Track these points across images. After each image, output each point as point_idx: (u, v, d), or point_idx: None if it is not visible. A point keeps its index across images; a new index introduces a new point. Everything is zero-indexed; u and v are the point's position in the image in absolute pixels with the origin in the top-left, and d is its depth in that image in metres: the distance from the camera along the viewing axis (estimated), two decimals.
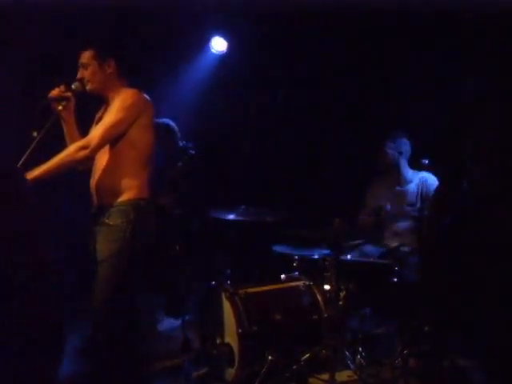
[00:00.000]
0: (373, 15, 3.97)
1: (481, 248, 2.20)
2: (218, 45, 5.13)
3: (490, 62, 2.27)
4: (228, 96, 5.64)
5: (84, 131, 2.78)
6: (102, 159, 2.59)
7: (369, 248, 3.68)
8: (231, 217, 3.42)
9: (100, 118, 2.67)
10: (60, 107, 2.59)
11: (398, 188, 3.80)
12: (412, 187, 3.74)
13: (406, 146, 3.79)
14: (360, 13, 3.95)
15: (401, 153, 3.76)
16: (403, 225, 3.66)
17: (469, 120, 2.32)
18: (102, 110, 2.72)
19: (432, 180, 3.66)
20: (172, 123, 4.25)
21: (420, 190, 3.67)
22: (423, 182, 3.69)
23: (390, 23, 4.17)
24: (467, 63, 2.49)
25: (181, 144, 4.22)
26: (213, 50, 5.20)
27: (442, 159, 2.60)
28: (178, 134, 4.26)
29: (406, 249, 3.41)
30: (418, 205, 3.38)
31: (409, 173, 3.80)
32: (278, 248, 3.76)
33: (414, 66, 4.31)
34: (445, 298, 2.96)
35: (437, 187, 3.36)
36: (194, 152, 4.14)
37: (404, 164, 3.79)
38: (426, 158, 3.23)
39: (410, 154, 3.81)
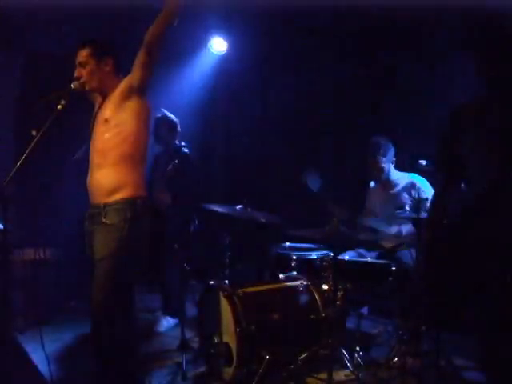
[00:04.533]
0: (372, 16, 3.98)
1: (480, 247, 2.20)
2: (218, 45, 5.15)
3: (488, 61, 2.27)
4: (227, 96, 5.66)
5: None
6: (98, 156, 2.59)
7: (364, 251, 3.68)
8: (225, 212, 3.42)
9: (98, 116, 2.66)
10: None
11: (387, 192, 3.80)
12: (400, 190, 3.73)
13: (393, 152, 3.77)
14: (359, 14, 3.96)
15: (393, 161, 3.78)
16: (396, 227, 3.66)
17: (466, 119, 2.32)
18: (99, 107, 2.71)
19: (419, 181, 3.67)
20: (177, 120, 4.24)
21: (408, 192, 3.66)
22: (411, 184, 3.68)
23: (385, 24, 4.18)
24: (464, 62, 2.49)
25: (176, 143, 4.24)
26: (212, 50, 5.21)
27: (438, 159, 2.60)
28: (178, 133, 4.27)
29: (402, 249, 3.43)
30: (407, 207, 3.37)
31: (396, 176, 3.80)
32: (277, 248, 3.76)
33: (410, 65, 4.32)
34: (444, 298, 2.96)
35: (436, 188, 3.34)
36: (188, 151, 4.15)
37: (393, 169, 3.80)
38: (423, 159, 3.22)
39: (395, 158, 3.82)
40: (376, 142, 3.75)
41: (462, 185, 2.38)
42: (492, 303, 2.20)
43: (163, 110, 4.19)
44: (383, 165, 3.74)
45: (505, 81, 2.23)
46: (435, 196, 2.72)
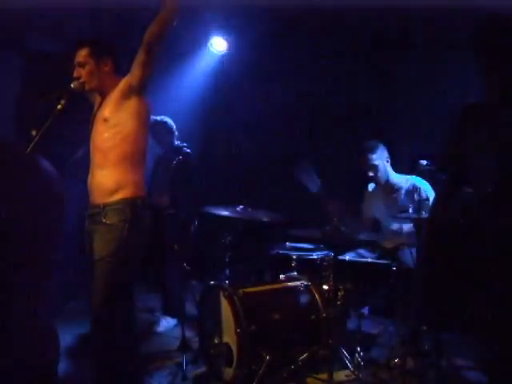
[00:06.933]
0: (371, 16, 3.98)
1: (483, 248, 2.20)
2: (218, 45, 5.14)
3: (490, 61, 2.27)
4: (227, 96, 5.65)
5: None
6: (99, 156, 2.59)
7: (365, 252, 3.68)
8: (225, 213, 3.43)
9: (97, 115, 2.66)
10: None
11: (390, 196, 3.76)
12: (402, 193, 3.70)
13: (386, 152, 3.73)
14: (359, 14, 3.96)
15: (387, 160, 3.73)
16: (398, 228, 3.65)
17: (471, 119, 2.31)
18: (99, 107, 2.71)
19: (420, 183, 3.65)
20: (170, 121, 4.27)
21: (410, 195, 3.64)
22: (413, 187, 3.66)
23: (384, 24, 4.18)
24: (464, 62, 2.49)
25: (176, 143, 4.25)
26: (212, 50, 5.21)
27: (442, 160, 2.59)
28: (176, 133, 4.28)
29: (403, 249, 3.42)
30: (410, 210, 3.36)
31: (397, 179, 3.76)
32: (277, 248, 3.76)
33: (413, 66, 4.32)
34: (445, 298, 2.95)
35: (439, 188, 3.32)
36: (188, 151, 4.16)
37: (391, 171, 3.76)
38: (423, 160, 3.21)
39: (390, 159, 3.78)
40: (362, 144, 3.74)
41: (466, 185, 2.37)
42: (493, 303, 2.20)
43: (152, 117, 4.22)
44: (374, 162, 3.68)
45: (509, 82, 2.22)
46: (438, 196, 2.71)
